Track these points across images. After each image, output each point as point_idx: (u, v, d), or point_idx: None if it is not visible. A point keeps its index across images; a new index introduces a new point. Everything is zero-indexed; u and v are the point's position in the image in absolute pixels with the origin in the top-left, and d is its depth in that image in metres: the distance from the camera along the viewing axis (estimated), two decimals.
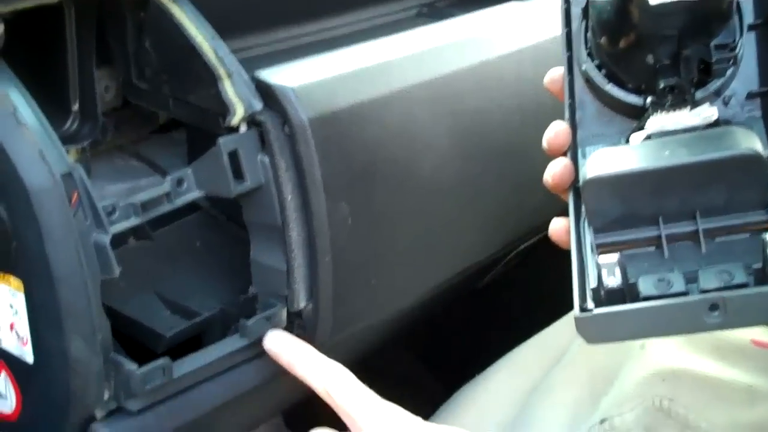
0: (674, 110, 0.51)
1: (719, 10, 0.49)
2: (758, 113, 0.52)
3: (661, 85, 0.50)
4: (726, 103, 0.52)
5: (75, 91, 0.71)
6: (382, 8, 0.87)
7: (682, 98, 0.50)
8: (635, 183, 0.47)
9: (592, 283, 0.48)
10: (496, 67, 0.79)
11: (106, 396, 0.63)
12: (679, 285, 0.45)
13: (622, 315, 0.46)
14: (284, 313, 0.70)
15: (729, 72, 0.51)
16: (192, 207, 0.82)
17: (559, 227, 0.56)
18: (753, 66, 0.52)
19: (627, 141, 0.53)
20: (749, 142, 0.46)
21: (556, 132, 0.56)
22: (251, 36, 0.71)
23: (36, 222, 0.59)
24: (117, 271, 0.60)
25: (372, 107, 0.69)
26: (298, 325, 0.71)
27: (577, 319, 0.47)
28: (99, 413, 0.64)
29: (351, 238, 0.69)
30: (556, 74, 0.58)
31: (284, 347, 0.68)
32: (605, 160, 0.49)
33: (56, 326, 0.61)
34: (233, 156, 0.65)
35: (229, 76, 0.64)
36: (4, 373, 0.67)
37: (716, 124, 0.51)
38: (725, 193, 0.46)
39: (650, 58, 0.50)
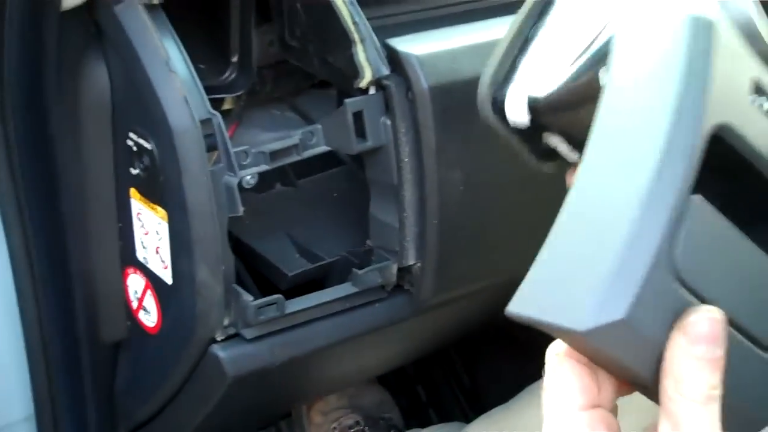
0: None
1: None
2: None
3: None
4: None
5: (235, 45, 0.79)
6: None
7: None
8: None
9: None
10: None
11: (225, 322, 0.71)
12: None
13: None
14: (395, 268, 0.74)
15: None
16: (339, 161, 0.88)
17: None
18: None
19: None
20: None
21: None
22: (386, 6, 0.74)
23: (177, 159, 0.66)
24: (241, 210, 0.67)
25: None
26: (408, 281, 0.75)
27: None
28: (219, 336, 0.72)
29: (461, 205, 0.71)
30: None
31: None
32: None
33: (188, 253, 0.69)
34: (358, 116, 0.69)
35: (362, 41, 0.69)
36: (149, 292, 0.77)
37: None
38: None
39: None
